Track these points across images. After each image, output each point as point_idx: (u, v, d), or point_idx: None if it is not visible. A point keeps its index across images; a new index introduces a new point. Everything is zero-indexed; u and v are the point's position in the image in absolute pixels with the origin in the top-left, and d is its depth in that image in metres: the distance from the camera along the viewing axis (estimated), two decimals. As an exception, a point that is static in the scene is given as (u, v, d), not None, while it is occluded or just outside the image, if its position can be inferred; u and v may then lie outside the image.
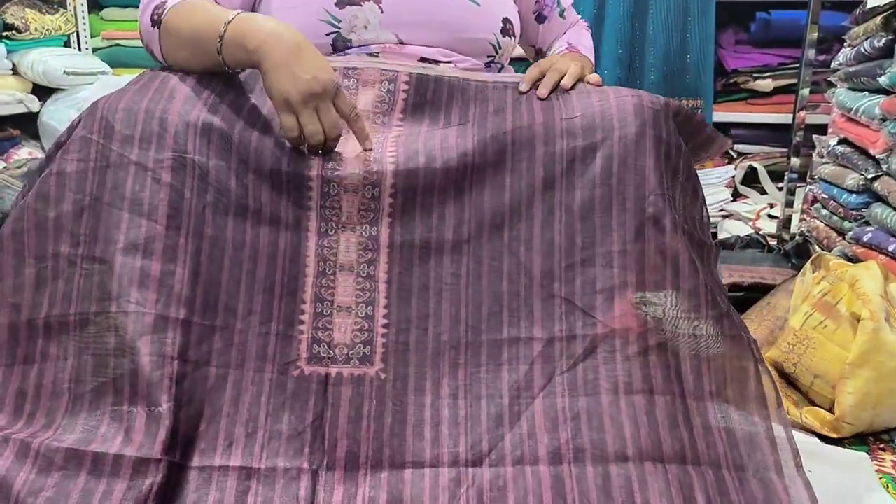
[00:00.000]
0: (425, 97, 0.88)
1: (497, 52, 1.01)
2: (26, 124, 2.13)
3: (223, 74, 0.86)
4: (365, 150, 0.82)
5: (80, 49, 2.43)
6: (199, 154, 0.79)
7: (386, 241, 0.82)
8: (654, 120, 0.80)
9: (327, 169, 0.82)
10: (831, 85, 1.75)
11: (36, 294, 0.78)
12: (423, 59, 0.95)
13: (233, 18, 0.83)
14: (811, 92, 1.94)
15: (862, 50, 1.55)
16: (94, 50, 2.51)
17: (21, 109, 2.06)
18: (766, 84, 2.30)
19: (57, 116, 2.06)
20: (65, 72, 2.09)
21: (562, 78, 0.89)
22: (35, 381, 0.76)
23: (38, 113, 2.11)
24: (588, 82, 0.91)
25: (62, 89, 2.14)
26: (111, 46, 2.50)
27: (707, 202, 0.90)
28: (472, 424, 0.75)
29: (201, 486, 0.71)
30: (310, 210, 0.81)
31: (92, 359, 0.74)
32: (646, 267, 0.77)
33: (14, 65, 2.09)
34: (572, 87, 0.88)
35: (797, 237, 1.83)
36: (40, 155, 1.95)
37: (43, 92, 2.13)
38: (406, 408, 0.76)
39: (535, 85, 0.90)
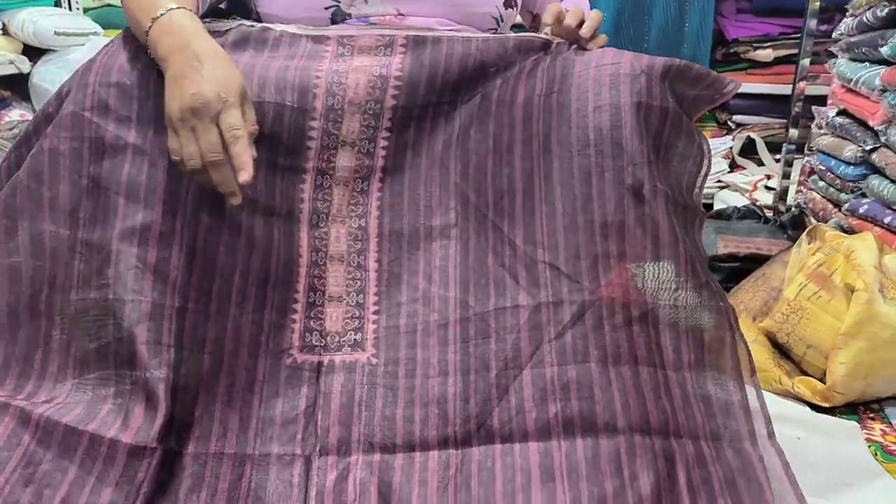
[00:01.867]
0: (422, 60, 0.87)
1: (500, 25, 1.00)
2: (17, 85, 2.09)
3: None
4: (240, 180, 0.72)
5: (70, 9, 2.38)
6: None
7: (375, 230, 0.83)
8: (631, 87, 0.79)
9: (322, 161, 0.82)
10: (832, 55, 1.73)
11: (35, 277, 0.78)
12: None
13: (160, 15, 0.77)
14: (812, 62, 1.92)
15: (864, 20, 1.54)
16: (85, 10, 2.46)
17: (12, 70, 2.02)
18: (766, 54, 2.28)
19: (48, 78, 2.03)
20: (55, 32, 2.05)
21: (580, 24, 0.87)
22: (39, 366, 0.77)
23: (28, 74, 2.08)
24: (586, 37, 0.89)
25: (53, 50, 2.10)
26: (102, 7, 2.45)
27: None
28: (462, 402, 0.75)
29: (196, 473, 0.72)
30: (302, 203, 0.82)
31: (95, 345, 0.75)
32: (626, 238, 0.76)
33: (4, 25, 2.05)
34: (590, 39, 0.87)
35: (793, 209, 1.83)
36: (32, 117, 1.92)
37: (33, 53, 2.10)
38: (397, 392, 0.77)
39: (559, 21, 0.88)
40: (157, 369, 0.72)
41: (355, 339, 0.79)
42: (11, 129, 1.66)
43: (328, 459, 0.74)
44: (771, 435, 0.78)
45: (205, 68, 0.73)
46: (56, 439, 0.70)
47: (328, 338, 0.79)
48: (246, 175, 0.71)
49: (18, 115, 1.98)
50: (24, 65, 2.05)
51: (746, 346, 0.81)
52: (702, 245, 0.85)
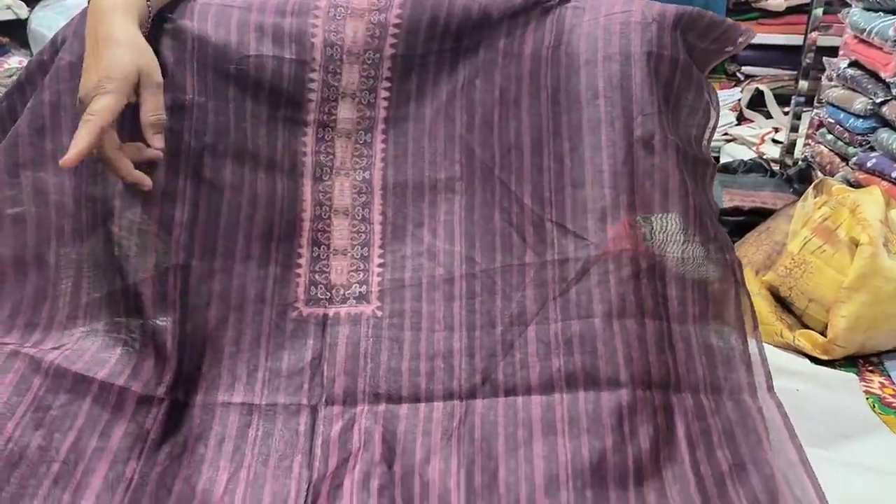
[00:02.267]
0: (423, 4, 0.84)
1: None
2: (15, 31, 2.06)
3: (200, 6, 0.80)
4: (61, 160, 0.67)
5: (67, -47, 2.33)
6: (199, 94, 0.77)
7: (379, 183, 0.82)
8: (642, 35, 0.77)
9: (323, 113, 0.81)
10: (846, 4, 1.69)
11: (40, 227, 0.78)
12: None
13: None
14: (825, 12, 1.88)
15: (881, -33, 1.50)
16: (83, -46, 2.41)
17: (9, 16, 1.99)
18: (777, 3, 2.23)
19: (46, 23, 2.00)
20: (53, -23, 2.01)
21: None
22: (47, 316, 0.77)
23: (26, 20, 2.05)
24: None
25: (51, -5, 2.07)
26: (100, -50, 2.40)
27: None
28: (467, 357, 0.76)
29: (204, 421, 0.73)
30: (305, 156, 0.82)
31: (103, 293, 0.75)
32: (635, 189, 0.75)
33: (0, -32, 2.01)
34: None
35: (800, 162, 1.82)
36: (31, 64, 1.89)
37: (31, -2, 2.06)
38: (402, 344, 0.77)
39: None
40: (164, 325, 0.73)
41: (360, 292, 0.80)
42: (10, 76, 1.64)
43: (334, 409, 0.75)
44: (770, 387, 0.79)
45: (100, 55, 0.70)
46: (65, 387, 0.71)
47: (333, 290, 0.80)
48: (65, 158, 0.66)
49: (17, 61, 1.96)
50: (22, 10, 2.02)
51: (750, 301, 0.81)
52: (712, 198, 0.85)
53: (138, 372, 0.73)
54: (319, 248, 0.81)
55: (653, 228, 0.76)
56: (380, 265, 0.81)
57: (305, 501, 0.70)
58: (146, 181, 0.72)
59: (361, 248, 0.81)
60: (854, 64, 1.60)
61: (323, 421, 0.75)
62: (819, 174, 1.66)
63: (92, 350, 0.74)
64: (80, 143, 0.66)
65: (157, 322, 0.74)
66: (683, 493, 0.69)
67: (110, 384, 0.71)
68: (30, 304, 0.78)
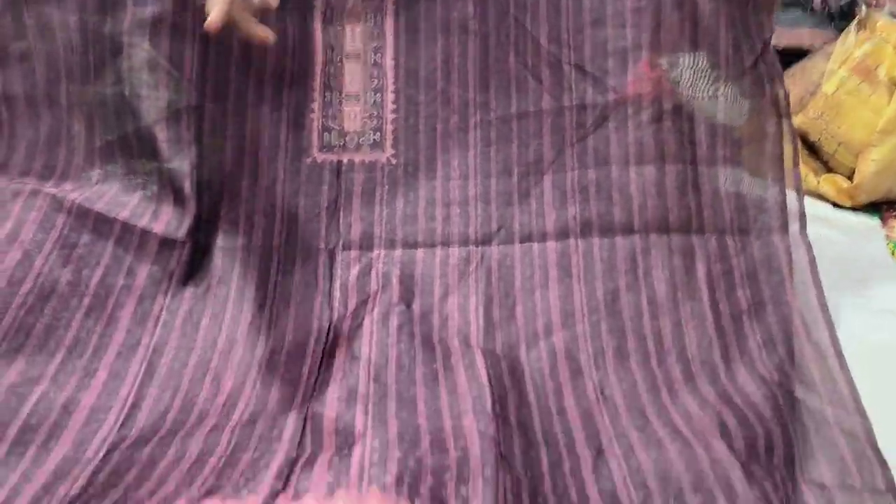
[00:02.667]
0: None
1: None
2: None
3: None
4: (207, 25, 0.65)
5: None
6: None
7: (391, 28, 0.79)
8: None
9: None
10: None
11: (49, 65, 0.75)
12: None
13: None
14: None
15: None
16: None
17: None
18: None
19: None
20: None
21: None
22: (63, 159, 0.77)
23: None
24: None
25: None
26: None
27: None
28: (482, 203, 0.76)
29: (225, 263, 0.74)
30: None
31: (116, 136, 0.74)
32: (661, 25, 0.71)
33: None
34: None
35: (844, -4, 1.70)
36: None
37: None
38: (417, 191, 0.77)
39: None
40: (180, 166, 0.73)
41: (374, 139, 0.79)
42: None
43: (351, 253, 0.76)
44: (803, 227, 0.77)
45: None
46: (88, 226, 0.72)
47: (347, 137, 0.79)
48: (210, 21, 0.63)
49: None
50: None
51: (794, 133, 0.77)
52: (766, 23, 0.78)
53: (159, 214, 0.74)
54: (332, 93, 0.79)
55: (681, 66, 0.73)
56: (393, 111, 0.79)
57: (326, 340, 0.72)
58: (271, 35, 0.69)
59: (374, 94, 0.79)
60: None
61: (340, 264, 0.76)
62: (864, 9, 1.56)
63: (111, 193, 0.75)
64: (218, 6, 0.63)
65: (174, 165, 0.73)
66: (699, 329, 0.71)
67: (132, 226, 0.72)
68: (45, 145, 0.78)
